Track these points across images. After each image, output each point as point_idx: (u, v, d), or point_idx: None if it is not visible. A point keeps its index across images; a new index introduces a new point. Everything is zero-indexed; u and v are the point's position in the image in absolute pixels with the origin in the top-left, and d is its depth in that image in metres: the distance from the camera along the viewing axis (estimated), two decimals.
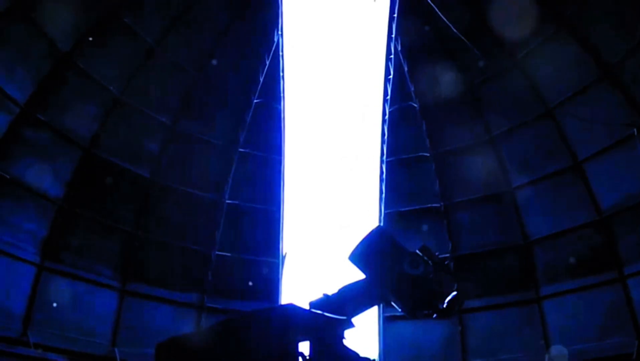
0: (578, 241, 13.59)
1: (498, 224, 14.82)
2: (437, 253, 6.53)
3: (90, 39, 12.70)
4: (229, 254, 15.03)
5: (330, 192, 26.37)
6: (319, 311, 6.06)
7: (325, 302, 6.26)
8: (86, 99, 13.21)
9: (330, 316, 5.96)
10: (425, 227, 15.27)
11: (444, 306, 6.31)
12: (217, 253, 14.91)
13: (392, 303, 6.46)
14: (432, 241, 14.93)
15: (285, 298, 15.30)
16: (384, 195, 15.68)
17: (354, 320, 6.16)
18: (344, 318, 6.04)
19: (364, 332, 15.01)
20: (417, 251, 6.43)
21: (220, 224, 15.03)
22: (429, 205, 15.38)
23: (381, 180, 15.69)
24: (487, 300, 14.55)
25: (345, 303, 6.24)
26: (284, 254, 15.49)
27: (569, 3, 12.65)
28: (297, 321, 5.93)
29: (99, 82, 13.21)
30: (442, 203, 15.24)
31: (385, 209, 15.62)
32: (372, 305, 6.49)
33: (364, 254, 6.47)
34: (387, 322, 14.84)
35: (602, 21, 12.34)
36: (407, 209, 15.57)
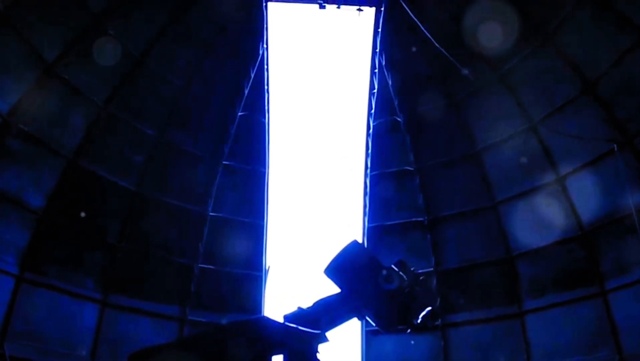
0: (560, 256, 13.66)
1: (482, 239, 14.84)
2: (412, 268, 6.54)
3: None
4: (212, 266, 14.94)
5: (315, 204, 26.36)
6: (292, 325, 6.06)
7: (300, 315, 6.26)
8: (70, 109, 13.16)
9: (304, 330, 5.96)
10: (409, 241, 15.27)
11: (419, 321, 6.31)
12: (200, 265, 14.82)
13: (367, 317, 6.47)
14: (416, 255, 15.01)
15: (268, 312, 15.25)
16: (367, 209, 15.69)
17: (328, 334, 6.16)
18: (318, 332, 6.03)
19: (346, 346, 14.99)
20: (393, 266, 6.45)
21: (203, 237, 14.95)
22: (413, 219, 15.39)
23: (365, 193, 15.70)
24: (470, 314, 14.59)
25: (319, 317, 6.24)
26: (267, 267, 15.44)
27: (551, 19, 12.77)
28: (271, 334, 5.92)
29: (84, 92, 13.17)
30: (426, 217, 15.26)
31: (369, 222, 15.61)
32: (346, 319, 6.48)
33: (339, 268, 6.49)
34: (369, 336, 14.79)
35: (583, 37, 12.48)
36: (391, 223, 15.57)
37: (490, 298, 14.48)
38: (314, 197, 26.02)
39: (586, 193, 13.31)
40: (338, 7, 14.11)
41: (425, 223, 15.26)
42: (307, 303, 6.44)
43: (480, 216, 14.80)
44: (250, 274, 15.29)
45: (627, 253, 12.48)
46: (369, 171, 15.67)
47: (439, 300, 14.54)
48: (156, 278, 14.35)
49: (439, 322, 14.50)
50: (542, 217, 14.04)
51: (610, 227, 12.80)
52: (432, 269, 14.86)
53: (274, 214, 15.97)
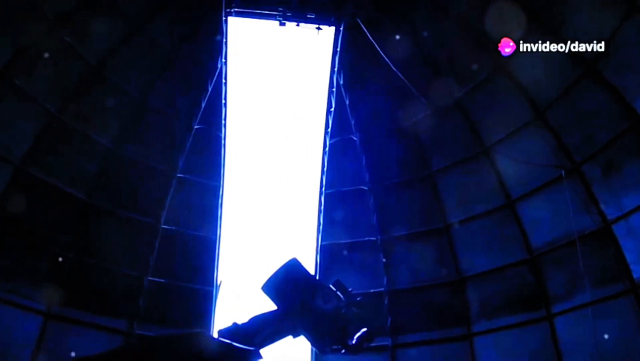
0: (510, 279, 13.88)
1: (433, 260, 14.97)
2: (350, 289, 6.51)
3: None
4: (162, 280, 14.66)
5: (269, 221, 26.36)
6: (227, 341, 5.98)
7: (235, 331, 6.18)
8: (21, 115, 12.93)
9: (238, 346, 5.88)
10: (361, 260, 15.29)
11: (353, 342, 6.28)
12: (150, 278, 14.56)
13: (303, 336, 6.42)
14: (368, 274, 15.06)
15: (218, 327, 15.01)
16: (321, 226, 15.67)
17: (262, 351, 6.09)
18: (252, 348, 5.96)
19: None
20: (331, 286, 6.42)
21: (154, 250, 14.68)
22: (366, 238, 15.44)
23: (319, 211, 15.68)
24: (420, 335, 14.70)
25: (254, 334, 6.16)
26: (219, 282, 15.26)
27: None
28: (204, 350, 5.83)
29: (36, 99, 12.94)
30: (379, 237, 15.32)
31: (322, 240, 15.60)
32: (281, 337, 6.41)
33: (276, 286, 6.44)
34: (318, 357, 14.71)
35: (534, 66, 12.76)
36: (344, 241, 15.59)
37: (440, 320, 14.61)
38: (269, 213, 25.99)
39: (535, 218, 13.61)
40: (297, 25, 14.16)
41: (378, 243, 15.31)
42: (243, 319, 6.37)
43: (433, 237, 14.95)
44: (201, 289, 15.08)
45: (572, 278, 12.73)
46: (324, 189, 15.67)
47: (389, 320, 14.65)
48: (104, 290, 14.03)
49: (389, 342, 14.57)
50: (493, 240, 14.27)
51: (557, 252, 13.09)
52: (383, 289, 14.91)
53: (227, 229, 15.85)
